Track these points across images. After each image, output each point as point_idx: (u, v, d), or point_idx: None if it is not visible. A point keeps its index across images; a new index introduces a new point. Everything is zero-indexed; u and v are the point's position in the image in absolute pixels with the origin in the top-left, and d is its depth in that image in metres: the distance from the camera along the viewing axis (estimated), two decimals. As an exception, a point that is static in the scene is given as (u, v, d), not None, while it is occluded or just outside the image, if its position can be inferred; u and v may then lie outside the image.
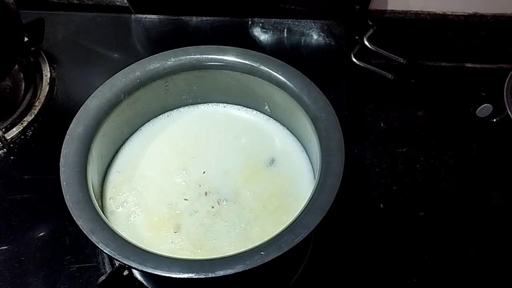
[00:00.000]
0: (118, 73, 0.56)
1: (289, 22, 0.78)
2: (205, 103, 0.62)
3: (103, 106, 0.54)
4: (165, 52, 0.57)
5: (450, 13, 0.79)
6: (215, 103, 0.62)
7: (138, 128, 0.60)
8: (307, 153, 0.58)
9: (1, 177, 0.66)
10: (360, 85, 0.77)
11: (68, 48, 0.77)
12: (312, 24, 0.78)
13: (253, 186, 0.55)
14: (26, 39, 0.72)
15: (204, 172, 0.56)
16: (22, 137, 0.69)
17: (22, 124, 0.69)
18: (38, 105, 0.71)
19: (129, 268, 0.48)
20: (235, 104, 0.62)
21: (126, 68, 0.56)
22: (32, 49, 0.74)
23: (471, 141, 0.73)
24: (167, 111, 0.61)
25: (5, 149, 0.68)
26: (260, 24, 0.78)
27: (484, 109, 0.71)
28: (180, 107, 0.61)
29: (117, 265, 0.55)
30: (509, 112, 0.67)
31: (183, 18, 0.79)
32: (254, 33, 0.78)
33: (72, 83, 0.74)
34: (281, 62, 0.56)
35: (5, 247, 0.61)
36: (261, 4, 0.79)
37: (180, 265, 0.44)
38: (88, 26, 0.79)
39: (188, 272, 0.43)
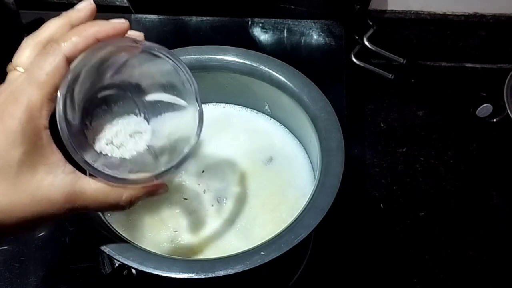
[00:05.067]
0: (118, 73, 0.55)
1: (289, 22, 0.78)
2: (205, 103, 0.62)
3: (103, 106, 0.53)
4: (165, 52, 0.57)
5: (450, 13, 0.79)
6: (215, 103, 0.62)
7: (138, 128, 0.60)
8: (307, 153, 0.58)
9: (1, 177, 0.66)
10: (360, 85, 0.77)
11: (68, 48, 0.77)
12: (312, 24, 0.78)
13: (253, 184, 0.55)
14: (26, 39, 0.72)
15: (203, 171, 0.56)
16: (22, 137, 0.69)
17: (22, 124, 0.69)
18: (38, 105, 0.71)
19: (129, 268, 0.48)
20: (235, 104, 0.62)
21: (126, 68, 0.56)
22: (32, 49, 0.74)
23: (471, 141, 0.73)
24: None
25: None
26: (260, 24, 0.78)
27: (484, 109, 0.71)
28: (180, 107, 0.61)
29: (117, 265, 0.55)
30: (509, 112, 0.67)
31: (183, 18, 0.79)
32: (254, 33, 0.78)
33: (72, 83, 0.74)
34: (281, 62, 0.56)
35: (5, 247, 0.61)
36: (261, 4, 0.79)
37: (180, 265, 0.43)
38: (88, 26, 0.79)
39: (188, 272, 0.43)
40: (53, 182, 0.37)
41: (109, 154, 0.40)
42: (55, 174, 0.37)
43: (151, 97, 0.42)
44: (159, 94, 0.43)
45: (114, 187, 0.39)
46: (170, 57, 0.40)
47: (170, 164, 0.41)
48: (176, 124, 0.43)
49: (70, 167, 0.38)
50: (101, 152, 0.40)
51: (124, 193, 0.40)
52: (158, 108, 0.43)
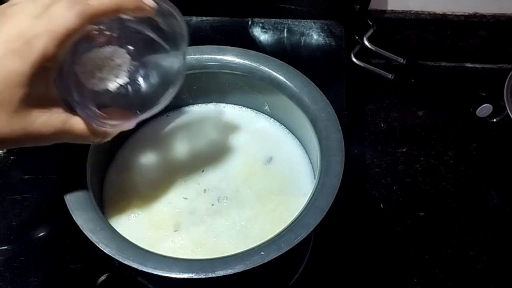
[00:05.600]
0: (118, 73, 0.55)
1: (289, 22, 0.78)
2: (205, 103, 0.62)
3: (103, 106, 0.54)
4: (165, 52, 0.57)
5: (450, 13, 0.79)
6: (215, 103, 0.62)
7: (138, 128, 0.60)
8: (307, 153, 0.58)
9: (1, 177, 0.66)
10: (360, 85, 0.77)
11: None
12: (312, 24, 0.78)
13: (253, 184, 0.55)
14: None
15: (203, 171, 0.56)
16: (22, 137, 0.69)
17: (22, 124, 0.69)
18: (38, 105, 0.71)
19: (129, 268, 0.48)
20: (235, 104, 0.62)
21: (126, 68, 0.56)
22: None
23: (471, 141, 0.73)
24: (167, 111, 0.61)
25: (5, 149, 0.67)
26: (260, 24, 0.78)
27: (484, 109, 0.71)
28: (180, 107, 0.61)
29: (117, 265, 0.55)
30: (509, 112, 0.67)
31: (183, 18, 0.79)
32: (254, 33, 0.78)
33: (72, 83, 0.74)
34: (281, 62, 0.56)
35: (5, 247, 0.61)
36: (261, 4, 0.79)
37: (180, 265, 0.44)
38: (88, 26, 0.79)
39: (188, 272, 0.43)
40: (46, 121, 0.39)
41: (95, 88, 0.42)
42: (49, 114, 0.39)
43: (136, 27, 0.43)
44: (146, 30, 0.44)
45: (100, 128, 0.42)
46: (173, 11, 0.42)
47: (150, 113, 0.44)
48: (157, 66, 0.46)
49: (63, 106, 0.40)
50: (89, 87, 0.42)
51: (108, 132, 0.44)
52: (142, 45, 0.44)
